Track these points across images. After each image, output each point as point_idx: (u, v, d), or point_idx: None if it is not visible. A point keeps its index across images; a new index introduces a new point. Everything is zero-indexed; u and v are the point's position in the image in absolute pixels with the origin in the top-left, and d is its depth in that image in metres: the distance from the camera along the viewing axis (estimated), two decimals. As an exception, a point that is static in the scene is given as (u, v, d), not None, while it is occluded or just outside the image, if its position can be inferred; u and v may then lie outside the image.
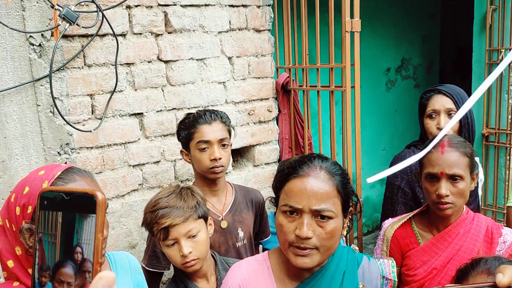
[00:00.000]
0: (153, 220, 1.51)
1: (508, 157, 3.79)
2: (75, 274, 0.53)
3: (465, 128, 2.00)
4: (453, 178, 1.60)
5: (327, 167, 1.18)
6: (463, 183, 1.60)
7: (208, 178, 1.89)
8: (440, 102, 2.01)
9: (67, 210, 0.55)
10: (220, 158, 1.82)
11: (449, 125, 1.61)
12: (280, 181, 1.21)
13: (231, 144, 1.96)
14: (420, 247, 1.72)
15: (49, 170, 1.13)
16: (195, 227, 1.53)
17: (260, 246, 2.14)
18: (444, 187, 1.59)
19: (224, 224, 1.91)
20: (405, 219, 1.79)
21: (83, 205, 0.54)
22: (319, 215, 1.11)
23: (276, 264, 1.26)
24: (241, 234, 1.93)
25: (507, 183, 3.65)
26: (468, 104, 1.46)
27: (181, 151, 1.99)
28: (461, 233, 1.65)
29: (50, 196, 0.56)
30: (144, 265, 1.83)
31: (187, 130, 1.88)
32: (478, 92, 1.38)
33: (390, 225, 1.82)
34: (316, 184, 1.13)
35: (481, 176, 2.08)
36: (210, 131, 1.84)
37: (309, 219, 1.11)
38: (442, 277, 1.63)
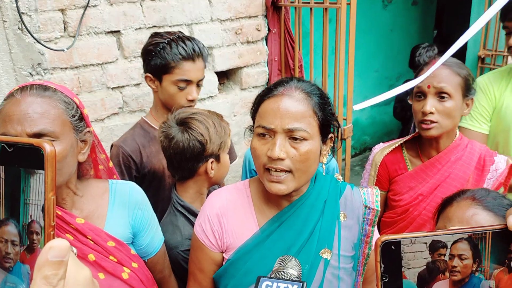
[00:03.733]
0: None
1: (502, 81, 3.71)
2: (19, 233, 0.47)
3: None
4: (440, 96, 1.52)
5: (303, 86, 1.13)
6: (451, 102, 1.52)
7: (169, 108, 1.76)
8: None
9: (10, 163, 0.46)
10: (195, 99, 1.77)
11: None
12: (256, 104, 1.18)
13: None
14: (408, 173, 1.69)
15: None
16: None
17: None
18: (430, 104, 1.52)
19: None
20: (396, 145, 1.74)
21: (29, 159, 0.46)
22: (293, 136, 1.08)
23: (255, 192, 1.24)
24: None
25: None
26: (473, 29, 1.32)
27: (146, 76, 1.78)
28: (452, 160, 1.61)
29: None
30: None
31: (163, 60, 1.68)
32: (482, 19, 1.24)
33: (380, 150, 1.77)
34: (289, 103, 1.09)
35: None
36: (193, 69, 1.71)
37: (282, 139, 1.08)
38: (428, 203, 1.62)
